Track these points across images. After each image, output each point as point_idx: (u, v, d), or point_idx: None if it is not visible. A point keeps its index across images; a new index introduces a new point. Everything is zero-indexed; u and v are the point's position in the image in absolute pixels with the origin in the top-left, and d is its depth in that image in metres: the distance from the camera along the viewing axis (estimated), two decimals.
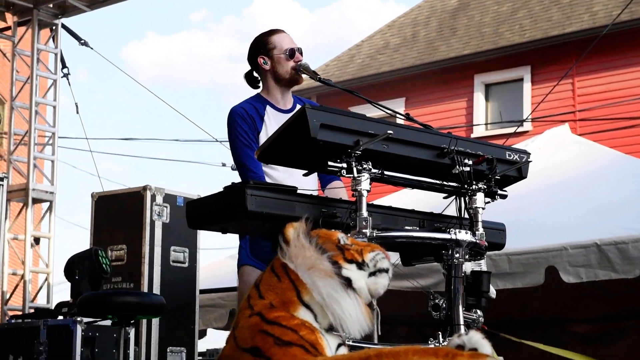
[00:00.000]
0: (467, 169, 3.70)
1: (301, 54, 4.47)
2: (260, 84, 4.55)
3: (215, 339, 9.75)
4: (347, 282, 2.80)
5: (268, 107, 4.42)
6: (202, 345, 9.96)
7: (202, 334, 9.50)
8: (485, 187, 3.77)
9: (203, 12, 59.03)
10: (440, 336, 3.53)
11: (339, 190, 4.41)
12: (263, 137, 4.29)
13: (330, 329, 2.78)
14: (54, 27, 9.86)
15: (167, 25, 58.33)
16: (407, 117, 4.27)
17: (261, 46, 4.48)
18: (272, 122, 4.34)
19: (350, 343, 2.93)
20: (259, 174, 4.22)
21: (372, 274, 2.87)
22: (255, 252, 4.24)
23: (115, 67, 11.26)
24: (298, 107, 4.44)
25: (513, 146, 4.76)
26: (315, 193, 3.85)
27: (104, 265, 6.78)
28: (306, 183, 4.02)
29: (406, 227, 3.72)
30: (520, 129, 14.58)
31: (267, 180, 4.24)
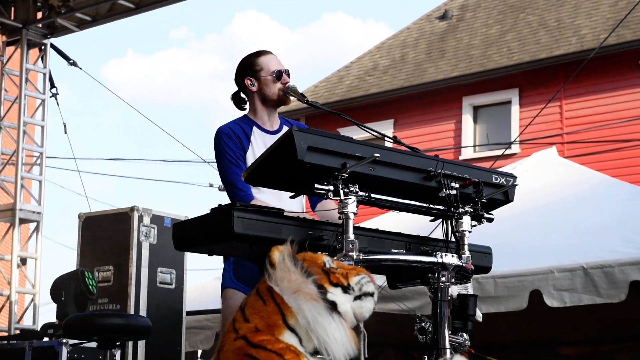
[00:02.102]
0: (454, 192, 3.70)
1: (288, 75, 4.48)
2: (247, 105, 4.56)
3: None
4: (332, 306, 2.79)
5: (255, 128, 4.43)
6: None
7: (193, 357, 9.46)
8: (471, 210, 3.78)
9: (184, 30, 58.97)
10: (427, 359, 3.52)
11: (333, 211, 4.40)
12: (249, 157, 4.29)
13: (316, 352, 2.78)
14: (42, 47, 9.87)
15: (147, 43, 58.25)
16: (395, 139, 4.27)
17: (248, 67, 4.49)
18: (259, 142, 4.34)
19: None
20: (247, 192, 4.21)
21: (357, 298, 2.86)
22: (239, 275, 4.22)
23: (109, 90, 11.26)
24: (285, 128, 4.45)
25: (501, 168, 4.78)
26: (303, 215, 3.84)
27: (90, 287, 6.76)
28: (293, 205, 4.02)
29: (392, 250, 3.72)
30: (508, 152, 14.61)
31: (255, 200, 4.24)
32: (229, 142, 4.33)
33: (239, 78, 4.52)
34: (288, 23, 61.12)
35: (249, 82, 4.47)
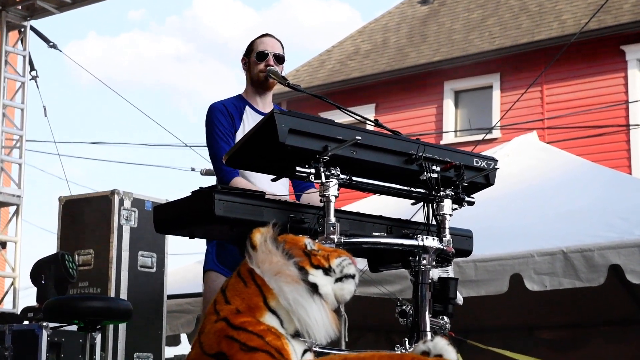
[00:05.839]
0: (435, 175, 3.70)
1: (279, 60, 4.48)
2: None
3: (188, 346, 9.71)
4: (314, 288, 2.79)
5: (247, 107, 4.47)
6: (175, 352, 9.93)
7: (176, 340, 9.46)
8: (452, 193, 3.78)
9: (142, 12, 58.16)
10: (407, 342, 3.53)
11: (315, 195, 4.40)
12: (240, 135, 4.31)
13: (297, 334, 2.78)
14: (22, 29, 9.80)
15: (108, 25, 57.44)
16: (376, 123, 4.27)
17: (247, 47, 4.58)
18: (251, 121, 4.37)
19: (317, 349, 2.93)
20: (230, 169, 4.22)
21: (338, 280, 2.86)
22: (222, 258, 4.23)
23: (92, 74, 11.17)
24: None
25: (481, 153, 4.78)
26: (286, 198, 3.84)
27: (70, 270, 6.74)
28: (278, 188, 4.02)
29: (374, 233, 3.72)
30: (489, 136, 14.64)
31: (241, 177, 4.24)
32: (220, 118, 4.36)
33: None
34: (251, 3, 60.56)
35: (244, 61, 4.58)
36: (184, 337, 9.50)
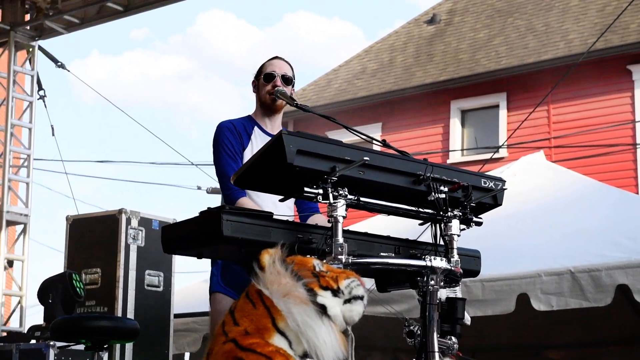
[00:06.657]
0: (443, 196, 3.71)
1: (286, 81, 4.51)
2: None
3: None
4: (322, 310, 2.80)
5: (256, 128, 4.49)
6: None
7: (180, 359, 9.45)
8: (460, 214, 3.78)
9: (145, 30, 58.30)
10: None
11: (320, 216, 4.41)
12: (248, 154, 4.32)
13: (305, 356, 2.78)
14: (30, 49, 9.84)
15: (111, 44, 57.50)
16: (384, 143, 4.28)
17: (257, 70, 4.61)
18: (259, 142, 4.38)
19: None
20: (238, 188, 4.23)
21: (347, 301, 2.87)
22: (227, 279, 4.24)
23: (98, 94, 11.23)
24: None
25: (489, 172, 4.78)
26: (291, 219, 3.84)
27: (77, 289, 6.74)
28: (283, 209, 4.03)
29: (382, 254, 3.72)
30: (495, 156, 14.64)
31: (248, 197, 4.25)
32: (229, 136, 4.39)
33: None
34: (255, 22, 60.91)
35: (254, 84, 4.61)
36: (187, 356, 9.48)
